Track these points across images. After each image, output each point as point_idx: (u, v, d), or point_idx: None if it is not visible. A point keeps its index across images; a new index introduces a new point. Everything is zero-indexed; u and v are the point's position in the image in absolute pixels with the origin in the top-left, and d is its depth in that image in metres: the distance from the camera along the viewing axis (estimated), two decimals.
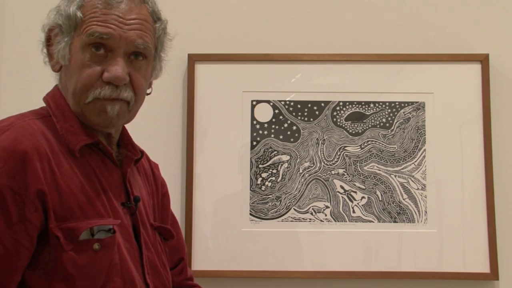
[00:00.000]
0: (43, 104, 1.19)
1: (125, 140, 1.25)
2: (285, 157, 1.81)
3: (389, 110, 1.82)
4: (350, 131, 1.81)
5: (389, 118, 1.81)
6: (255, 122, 1.82)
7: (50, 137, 1.09)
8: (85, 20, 1.11)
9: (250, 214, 1.79)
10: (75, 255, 1.03)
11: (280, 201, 1.79)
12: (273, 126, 1.82)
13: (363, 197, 1.79)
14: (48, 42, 1.17)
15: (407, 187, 1.79)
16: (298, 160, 1.80)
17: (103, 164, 1.16)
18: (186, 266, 1.42)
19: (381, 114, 1.82)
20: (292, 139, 1.81)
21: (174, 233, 1.32)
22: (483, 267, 1.76)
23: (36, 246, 1.03)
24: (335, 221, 1.79)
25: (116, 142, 1.23)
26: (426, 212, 1.78)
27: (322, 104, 1.82)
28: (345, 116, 1.82)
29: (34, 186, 1.01)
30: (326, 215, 1.79)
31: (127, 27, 1.12)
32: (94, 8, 1.12)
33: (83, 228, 1.05)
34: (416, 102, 1.82)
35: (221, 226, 1.79)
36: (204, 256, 1.77)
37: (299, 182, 1.80)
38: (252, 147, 1.81)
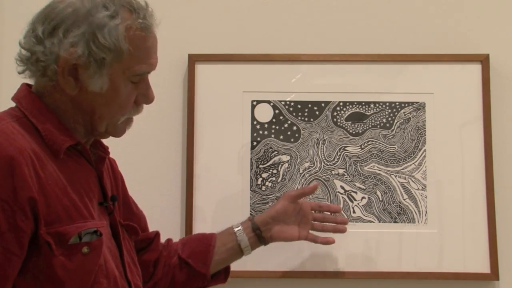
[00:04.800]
0: None
1: (95, 139, 1.26)
2: (285, 158, 1.81)
3: (389, 110, 1.82)
4: (350, 131, 1.81)
5: (389, 119, 1.81)
6: (255, 122, 1.82)
7: (29, 139, 1.06)
8: (133, 54, 1.12)
9: (251, 215, 1.78)
10: (65, 260, 1.03)
11: None
12: (273, 127, 1.82)
13: (363, 197, 1.79)
14: (66, 63, 1.10)
15: (407, 187, 1.79)
16: (298, 160, 1.80)
17: (79, 165, 1.16)
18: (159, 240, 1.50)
19: (381, 114, 1.82)
20: (292, 140, 1.81)
21: (140, 230, 1.36)
22: (484, 267, 1.76)
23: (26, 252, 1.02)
24: None
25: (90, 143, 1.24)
26: (426, 212, 1.78)
27: (322, 104, 1.82)
28: (345, 116, 1.82)
29: (24, 193, 0.99)
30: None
31: (156, 54, 1.19)
32: (138, 39, 1.13)
33: (72, 232, 1.05)
34: (417, 102, 1.82)
35: (221, 227, 1.77)
36: None
37: (299, 182, 1.80)
38: (252, 147, 1.81)
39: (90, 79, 1.11)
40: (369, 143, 1.81)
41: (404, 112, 1.81)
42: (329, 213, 1.62)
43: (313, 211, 1.59)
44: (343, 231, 1.59)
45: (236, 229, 1.51)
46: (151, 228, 1.50)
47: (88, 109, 1.14)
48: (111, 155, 1.32)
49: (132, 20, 1.12)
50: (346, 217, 1.62)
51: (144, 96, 1.18)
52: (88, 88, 1.11)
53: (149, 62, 1.16)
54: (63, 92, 1.13)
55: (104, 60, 1.10)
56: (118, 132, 1.21)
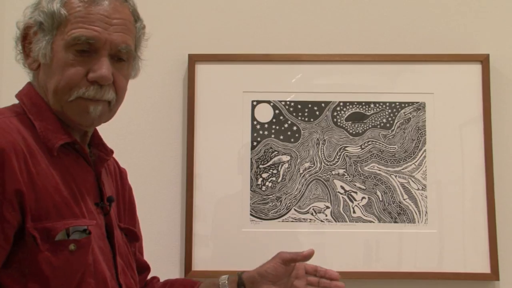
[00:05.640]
0: None
1: (96, 140, 1.25)
2: (285, 158, 1.81)
3: (390, 111, 1.82)
4: (351, 131, 1.81)
5: (390, 119, 1.81)
6: (255, 122, 1.82)
7: (26, 135, 1.08)
8: (70, 19, 1.10)
9: (251, 215, 1.79)
10: (51, 256, 1.03)
11: (281, 201, 1.79)
12: (273, 127, 1.82)
13: (363, 198, 1.79)
14: (24, 39, 1.15)
15: (407, 188, 1.79)
16: (298, 160, 1.80)
17: (77, 164, 1.16)
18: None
19: (381, 114, 1.82)
20: (292, 140, 1.81)
21: (139, 235, 1.34)
22: (484, 267, 1.76)
23: (12, 246, 1.02)
24: (336, 221, 1.78)
25: (88, 142, 1.23)
26: (426, 212, 1.78)
27: (323, 105, 1.82)
28: (345, 116, 1.82)
29: (12, 185, 1.00)
30: (326, 216, 1.79)
31: (112, 28, 1.12)
32: (78, 6, 1.11)
33: (59, 228, 1.04)
34: (417, 103, 1.82)
35: (221, 227, 1.79)
36: (204, 257, 1.77)
37: (299, 182, 1.80)
38: (253, 147, 1.81)
39: (36, 46, 1.12)
40: (369, 143, 1.81)
41: (404, 112, 1.81)
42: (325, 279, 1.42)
43: (308, 275, 1.42)
44: None
45: (221, 282, 1.41)
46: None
47: (44, 85, 1.14)
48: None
49: None
50: (343, 284, 1.40)
51: (94, 71, 1.11)
52: (39, 59, 1.13)
53: (90, 27, 1.10)
54: (36, 77, 1.16)
55: (43, 25, 1.11)
56: (76, 113, 1.13)
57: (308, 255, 1.39)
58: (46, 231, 1.03)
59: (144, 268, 1.44)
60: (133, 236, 1.32)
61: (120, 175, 1.36)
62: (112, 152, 1.27)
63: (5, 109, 1.14)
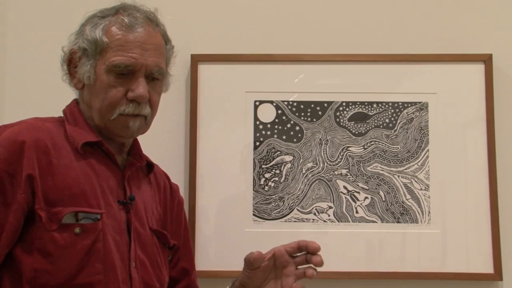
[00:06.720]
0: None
1: (135, 150, 1.37)
2: (288, 158, 1.81)
3: (392, 111, 1.81)
4: (353, 131, 1.81)
5: (392, 119, 1.81)
6: (258, 122, 1.82)
7: (56, 136, 1.22)
8: (111, 46, 1.24)
9: (253, 215, 1.79)
10: (57, 235, 1.15)
11: (283, 201, 1.79)
12: (276, 127, 1.82)
13: (366, 198, 1.79)
14: (70, 63, 1.29)
15: (410, 188, 1.79)
16: (301, 160, 1.80)
17: (103, 164, 1.27)
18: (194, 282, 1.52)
19: (384, 114, 1.82)
20: (295, 140, 1.81)
21: (171, 240, 1.40)
22: (487, 267, 1.75)
23: (24, 224, 1.15)
24: (338, 221, 1.78)
25: (127, 151, 1.35)
26: (429, 212, 1.78)
27: (325, 105, 1.82)
28: (348, 116, 1.82)
29: (26, 171, 1.14)
30: (329, 216, 1.79)
31: (147, 54, 1.26)
32: (118, 34, 1.25)
33: (66, 211, 1.16)
34: (419, 103, 1.82)
35: (224, 227, 1.79)
36: (207, 257, 1.77)
37: (302, 182, 1.80)
38: (255, 147, 1.81)
39: (81, 69, 1.27)
40: (372, 143, 1.81)
41: (407, 112, 1.81)
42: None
43: (294, 257, 1.36)
44: (309, 276, 1.34)
45: None
46: None
47: (88, 102, 1.28)
48: None
49: (116, 18, 1.27)
50: (320, 258, 1.33)
51: (132, 91, 1.25)
52: (83, 80, 1.27)
53: (128, 55, 1.24)
54: (81, 95, 1.30)
55: (87, 51, 1.25)
56: (118, 128, 1.27)
57: (255, 261, 1.34)
58: (54, 214, 1.15)
59: (181, 276, 1.50)
60: (164, 240, 1.38)
61: (171, 190, 1.49)
62: (151, 163, 1.41)
63: (47, 117, 1.29)
